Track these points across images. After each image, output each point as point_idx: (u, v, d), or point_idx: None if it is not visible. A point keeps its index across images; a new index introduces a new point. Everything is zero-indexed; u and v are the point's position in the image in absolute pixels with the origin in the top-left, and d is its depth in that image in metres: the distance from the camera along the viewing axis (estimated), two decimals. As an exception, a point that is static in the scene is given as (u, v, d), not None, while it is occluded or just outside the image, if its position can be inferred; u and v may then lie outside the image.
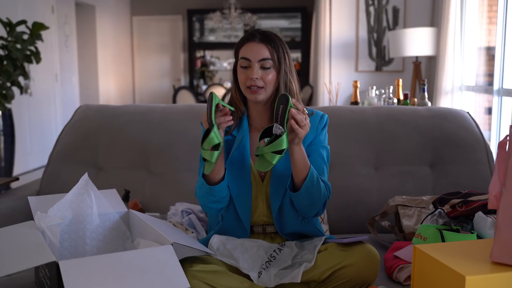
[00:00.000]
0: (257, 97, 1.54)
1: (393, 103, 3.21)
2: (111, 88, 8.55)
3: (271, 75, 1.53)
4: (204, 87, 9.40)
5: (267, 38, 1.54)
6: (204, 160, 1.45)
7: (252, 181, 1.59)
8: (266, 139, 1.46)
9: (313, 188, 1.49)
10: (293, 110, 1.42)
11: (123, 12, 9.13)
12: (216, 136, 1.41)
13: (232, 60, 1.65)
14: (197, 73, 9.57)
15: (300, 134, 1.43)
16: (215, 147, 1.42)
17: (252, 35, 1.55)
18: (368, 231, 2.02)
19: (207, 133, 1.43)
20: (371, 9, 5.21)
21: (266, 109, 1.60)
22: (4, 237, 1.39)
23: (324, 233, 1.66)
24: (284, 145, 1.41)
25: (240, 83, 1.56)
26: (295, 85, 1.57)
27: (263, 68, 1.53)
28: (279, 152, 1.41)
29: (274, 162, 1.41)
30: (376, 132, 2.22)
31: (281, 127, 1.42)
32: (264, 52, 1.52)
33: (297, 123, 1.42)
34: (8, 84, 4.28)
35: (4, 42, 4.23)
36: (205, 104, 1.48)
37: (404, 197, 1.98)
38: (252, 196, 1.59)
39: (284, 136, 1.41)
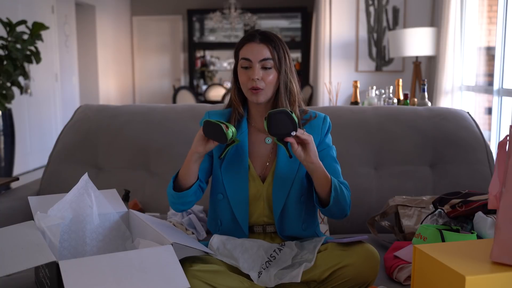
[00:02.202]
0: (258, 98, 1.53)
1: (393, 103, 3.21)
2: (111, 88, 8.55)
3: (271, 76, 1.53)
4: (204, 87, 9.39)
5: (267, 38, 1.54)
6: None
7: (251, 182, 1.59)
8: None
9: (338, 197, 1.50)
10: (292, 139, 1.41)
11: (123, 12, 9.13)
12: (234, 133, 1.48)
13: (232, 60, 1.64)
14: (197, 73, 9.57)
15: (310, 145, 1.43)
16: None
17: (252, 35, 1.55)
18: (368, 231, 2.02)
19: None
20: (371, 9, 5.21)
21: (267, 109, 1.59)
22: (4, 237, 1.39)
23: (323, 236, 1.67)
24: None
25: (242, 84, 1.56)
26: (295, 85, 1.58)
27: (264, 68, 1.52)
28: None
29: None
30: (376, 132, 2.22)
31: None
32: (264, 52, 1.52)
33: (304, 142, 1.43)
34: (8, 84, 4.28)
35: (4, 42, 4.23)
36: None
37: (404, 197, 1.98)
38: (252, 197, 1.59)
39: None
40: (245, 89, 1.55)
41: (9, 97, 4.24)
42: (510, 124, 2.21)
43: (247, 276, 1.47)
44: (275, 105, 1.57)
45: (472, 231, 1.62)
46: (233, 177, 1.58)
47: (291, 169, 1.57)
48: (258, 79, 1.51)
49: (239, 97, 1.60)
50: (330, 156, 1.61)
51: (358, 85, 3.30)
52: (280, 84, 1.55)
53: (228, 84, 8.77)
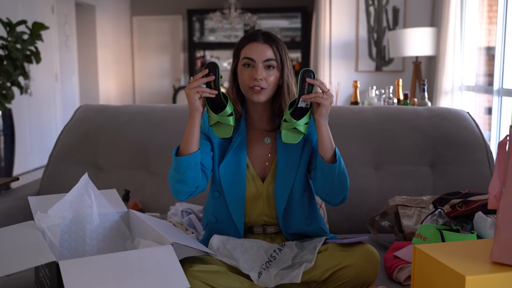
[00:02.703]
0: (259, 97, 1.53)
1: (393, 103, 3.21)
2: (111, 88, 8.55)
3: (273, 76, 1.53)
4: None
5: (270, 38, 1.54)
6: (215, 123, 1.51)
7: (250, 181, 1.59)
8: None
9: (341, 165, 1.50)
10: (317, 82, 1.46)
11: (123, 12, 9.13)
12: (230, 107, 1.50)
13: (233, 60, 1.64)
14: (197, 73, 9.54)
15: (325, 102, 1.45)
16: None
17: (255, 35, 1.55)
18: (368, 231, 2.02)
19: (217, 102, 1.50)
20: (371, 9, 5.22)
21: (265, 109, 1.59)
22: (4, 237, 1.39)
23: (328, 231, 1.67)
24: (310, 118, 1.49)
25: (242, 84, 1.55)
26: (294, 86, 1.58)
27: (267, 69, 1.52)
28: (307, 123, 1.49)
29: (305, 132, 1.49)
30: (376, 132, 2.23)
31: (306, 102, 1.48)
32: (268, 52, 1.52)
33: (323, 91, 1.46)
34: (8, 84, 4.28)
35: (4, 42, 4.23)
36: None
37: (404, 197, 1.98)
38: (251, 197, 1.59)
39: (310, 109, 1.49)
40: (245, 88, 1.54)
41: (9, 97, 4.24)
42: (510, 124, 2.21)
43: (247, 277, 1.47)
44: (276, 104, 1.58)
45: (472, 231, 1.62)
46: (230, 176, 1.58)
47: (293, 166, 1.57)
48: (261, 79, 1.51)
49: (237, 96, 1.60)
50: None
51: (358, 85, 3.30)
52: (283, 84, 1.55)
53: (227, 84, 8.76)
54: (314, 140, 1.58)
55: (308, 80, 1.46)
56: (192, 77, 1.48)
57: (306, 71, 1.47)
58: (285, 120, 1.48)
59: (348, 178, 1.55)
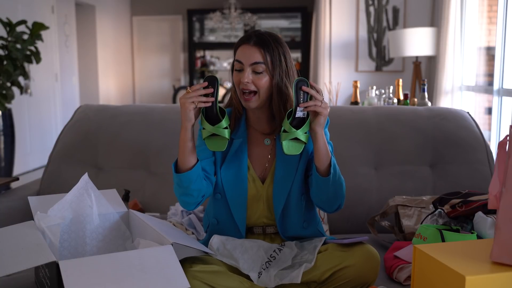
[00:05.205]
0: (249, 104, 1.51)
1: (393, 103, 3.21)
2: (111, 88, 8.55)
3: (264, 80, 1.49)
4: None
5: (262, 41, 1.50)
6: (209, 136, 1.47)
7: (251, 183, 1.58)
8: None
9: (336, 175, 1.49)
10: (312, 91, 1.42)
11: (123, 12, 9.13)
12: (226, 121, 1.47)
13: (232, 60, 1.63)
14: (197, 73, 9.56)
15: (324, 112, 1.42)
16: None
17: (248, 37, 1.52)
18: (368, 231, 2.02)
19: (212, 116, 1.46)
20: (371, 9, 5.22)
21: (263, 112, 1.58)
22: (4, 237, 1.39)
23: (325, 234, 1.66)
24: (308, 127, 1.46)
25: (235, 86, 1.54)
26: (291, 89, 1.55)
27: (255, 72, 1.50)
28: (306, 132, 1.46)
29: (306, 141, 1.45)
30: (376, 132, 2.22)
31: (303, 112, 1.44)
32: (256, 56, 1.49)
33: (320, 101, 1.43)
34: (8, 84, 4.28)
35: (4, 42, 4.24)
36: None
37: (404, 197, 1.98)
38: (252, 198, 1.58)
39: (308, 119, 1.46)
40: (238, 91, 1.53)
41: (9, 97, 4.24)
42: (510, 124, 2.21)
43: (247, 277, 1.47)
44: (270, 109, 1.56)
45: (472, 231, 1.62)
46: (232, 178, 1.58)
47: (291, 169, 1.56)
48: (248, 82, 1.49)
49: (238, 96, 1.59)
50: None
51: (358, 85, 3.31)
52: (274, 87, 1.51)
53: (228, 84, 8.77)
54: (311, 147, 1.56)
55: (304, 88, 1.42)
56: (188, 87, 1.45)
57: (300, 80, 1.44)
58: (284, 131, 1.45)
59: (344, 186, 1.54)
